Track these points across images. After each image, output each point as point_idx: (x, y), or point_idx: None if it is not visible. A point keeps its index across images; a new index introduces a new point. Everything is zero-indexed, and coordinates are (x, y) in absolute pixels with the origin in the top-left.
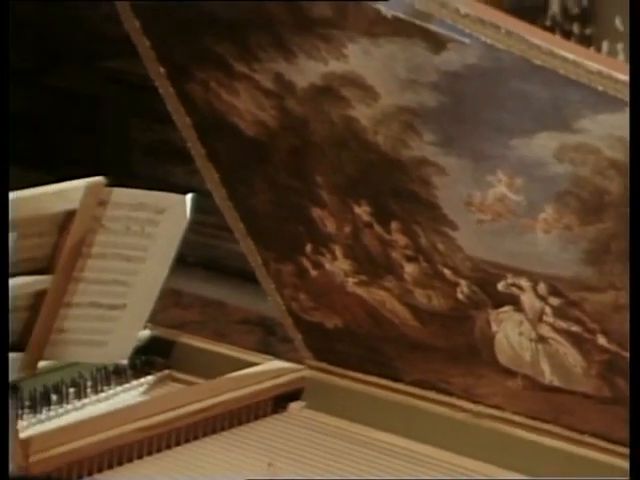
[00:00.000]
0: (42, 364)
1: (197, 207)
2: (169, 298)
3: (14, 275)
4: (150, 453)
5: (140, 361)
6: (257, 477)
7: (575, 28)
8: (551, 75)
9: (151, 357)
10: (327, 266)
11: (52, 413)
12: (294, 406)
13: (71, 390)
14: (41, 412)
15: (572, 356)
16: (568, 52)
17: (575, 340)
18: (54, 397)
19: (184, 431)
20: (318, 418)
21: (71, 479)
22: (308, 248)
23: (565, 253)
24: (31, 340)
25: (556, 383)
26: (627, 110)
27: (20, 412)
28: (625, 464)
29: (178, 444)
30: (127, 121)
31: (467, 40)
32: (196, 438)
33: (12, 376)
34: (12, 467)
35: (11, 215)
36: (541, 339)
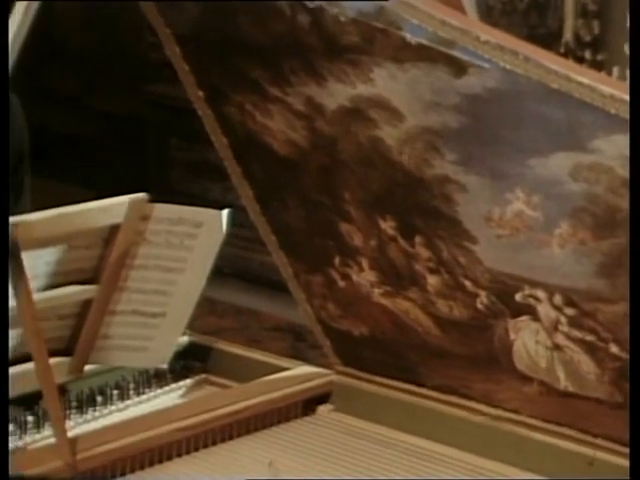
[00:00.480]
0: (88, 368)
1: (232, 221)
2: (206, 306)
3: (63, 285)
4: (188, 452)
5: (179, 365)
6: (289, 476)
7: (587, 54)
8: (566, 98)
9: (189, 362)
10: (354, 277)
11: (97, 414)
12: (322, 409)
13: (115, 392)
14: (87, 413)
15: (586, 363)
16: (582, 77)
17: (589, 348)
18: (99, 399)
19: (219, 432)
20: (345, 420)
21: (114, 476)
22: (336, 260)
23: (579, 266)
24: (78, 345)
25: (571, 389)
26: None
27: (68, 412)
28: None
29: (214, 444)
30: (168, 141)
31: (487, 65)
32: (231, 438)
33: (61, 379)
34: (59, 464)
35: (60, 229)
36: (556, 347)
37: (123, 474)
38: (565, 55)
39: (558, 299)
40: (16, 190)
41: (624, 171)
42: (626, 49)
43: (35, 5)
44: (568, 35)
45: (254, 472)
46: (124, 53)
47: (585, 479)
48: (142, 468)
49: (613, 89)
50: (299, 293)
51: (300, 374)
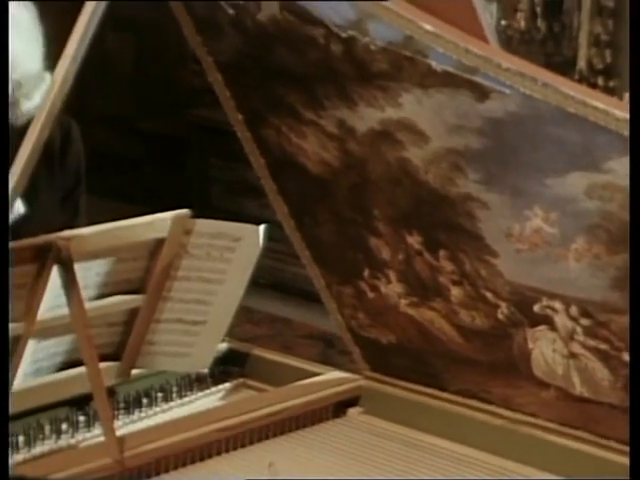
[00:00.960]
0: (135, 372)
1: (268, 236)
2: (243, 315)
3: (112, 295)
4: (226, 451)
5: (218, 370)
6: (320, 475)
7: (600, 81)
8: (582, 122)
9: (228, 367)
10: (382, 289)
11: (143, 414)
12: (352, 411)
13: (159, 395)
14: (134, 413)
15: (600, 371)
16: (597, 102)
17: (603, 357)
18: (145, 400)
19: (256, 432)
20: (373, 422)
21: (159, 472)
22: (366, 273)
23: (594, 279)
24: (126, 351)
25: (585, 394)
26: None
27: (116, 413)
28: None
29: (251, 444)
30: (209, 161)
31: (508, 91)
32: (266, 438)
33: (109, 382)
34: (108, 461)
35: (110, 242)
36: (572, 355)
37: (167, 471)
38: (579, 81)
39: (574, 310)
40: (73, 208)
41: None
42: None
43: (89, 36)
44: (582, 63)
45: (287, 471)
46: (170, 80)
47: (575, 479)
48: (184, 465)
49: (625, 113)
50: (331, 303)
51: (331, 379)
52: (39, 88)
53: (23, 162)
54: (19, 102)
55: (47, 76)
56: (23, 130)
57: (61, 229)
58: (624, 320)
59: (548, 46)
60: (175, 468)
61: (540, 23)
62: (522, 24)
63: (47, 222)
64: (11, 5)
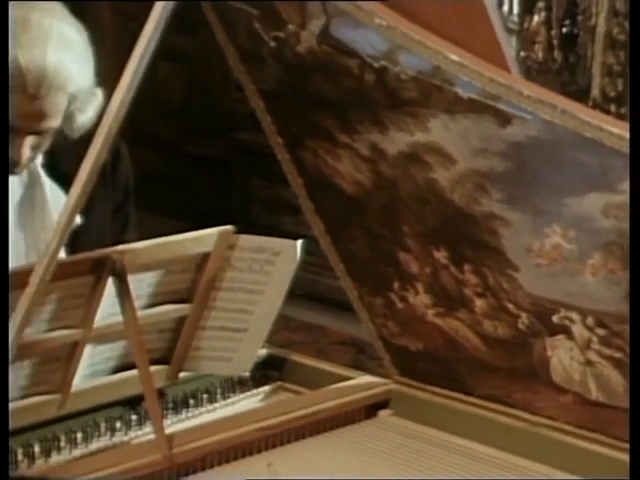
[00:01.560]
0: (182, 375)
1: (305, 250)
2: (281, 323)
3: (161, 304)
4: (266, 449)
5: (258, 374)
6: (352, 472)
7: (612, 108)
8: (598, 146)
9: (267, 371)
10: (411, 300)
11: (189, 414)
12: (383, 413)
13: (204, 396)
14: (181, 413)
15: (615, 377)
16: (612, 127)
17: (617, 364)
18: (191, 401)
19: (293, 432)
20: (402, 424)
21: (204, 468)
22: (396, 285)
23: (609, 292)
24: (174, 356)
25: (601, 399)
26: None
27: (165, 413)
28: None
29: (288, 442)
30: (250, 181)
31: (529, 116)
32: (303, 438)
33: (159, 384)
34: (158, 457)
35: (160, 256)
36: (589, 363)
37: (211, 467)
38: (593, 108)
39: (590, 321)
40: (122, 222)
41: None
42: None
43: (143, 67)
44: (596, 91)
45: (322, 468)
46: (216, 106)
47: (591, 478)
48: (227, 462)
49: None
50: (363, 313)
51: (363, 383)
52: (92, 103)
53: (82, 182)
54: (74, 115)
55: (98, 92)
56: (77, 143)
57: (112, 240)
58: None
59: (564, 76)
60: (219, 464)
61: (557, 54)
62: (540, 55)
63: (100, 233)
64: (63, 26)
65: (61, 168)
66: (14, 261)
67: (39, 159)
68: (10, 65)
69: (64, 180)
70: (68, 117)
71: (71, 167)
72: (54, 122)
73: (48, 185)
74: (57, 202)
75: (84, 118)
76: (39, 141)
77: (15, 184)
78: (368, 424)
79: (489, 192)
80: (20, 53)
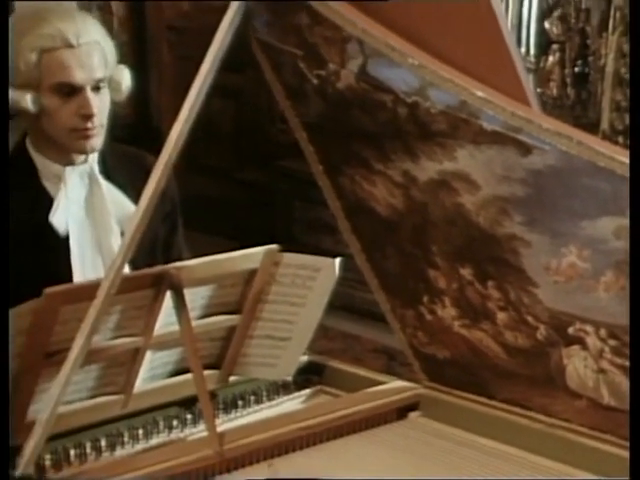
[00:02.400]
0: (232, 378)
1: (343, 267)
2: (320, 332)
3: (213, 315)
4: (307, 446)
5: (300, 378)
6: (384, 468)
7: (620, 139)
8: (611, 174)
9: (308, 376)
10: (439, 312)
11: (238, 414)
12: (412, 415)
13: (252, 398)
14: (231, 413)
15: (625, 384)
16: (623, 157)
17: (627, 372)
18: (240, 402)
19: (332, 431)
20: (431, 425)
21: (251, 463)
22: (425, 299)
23: (621, 307)
24: (225, 361)
25: (612, 404)
26: None
27: (216, 412)
28: None
29: (327, 440)
30: (293, 204)
31: (547, 147)
32: (341, 436)
33: (211, 386)
34: (210, 452)
35: (212, 272)
36: (601, 371)
37: (257, 462)
38: (603, 140)
39: (603, 332)
40: (170, 228)
41: None
42: None
43: (199, 103)
44: (605, 125)
45: (357, 465)
46: (262, 136)
47: (591, 479)
48: (271, 458)
49: None
50: (395, 324)
51: (394, 387)
52: (123, 72)
53: (143, 209)
54: (114, 81)
55: (124, 68)
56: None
57: (161, 243)
58: None
59: (576, 110)
60: (264, 460)
61: (570, 91)
62: (554, 92)
63: (151, 238)
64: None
65: (114, 174)
66: (80, 255)
67: (96, 166)
68: (48, 31)
69: (117, 184)
70: (111, 82)
71: (123, 175)
72: (100, 71)
73: (105, 186)
74: (114, 200)
75: (124, 83)
76: (100, 102)
77: (77, 185)
78: (399, 425)
79: (511, 215)
80: (57, 22)
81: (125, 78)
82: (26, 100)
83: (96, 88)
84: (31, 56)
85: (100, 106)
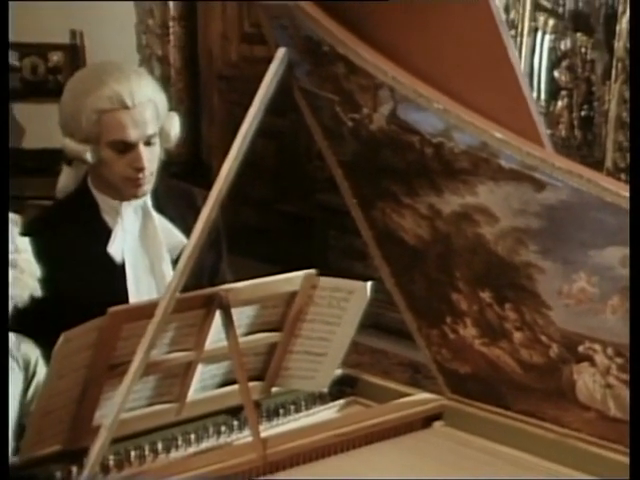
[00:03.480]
0: (274, 390)
1: (374, 290)
2: (352, 347)
3: (257, 332)
4: (341, 451)
5: (335, 390)
6: (410, 472)
7: (623, 176)
8: (617, 208)
9: (342, 387)
10: (461, 332)
11: (280, 422)
12: (436, 424)
13: (292, 407)
14: (273, 420)
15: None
16: (627, 192)
17: None
18: (281, 411)
19: (363, 438)
20: (453, 433)
21: (292, 466)
22: (448, 319)
23: (626, 328)
24: (267, 374)
25: (618, 415)
26: None
27: (260, 420)
28: None
29: (359, 446)
30: (328, 233)
31: (559, 184)
32: (371, 443)
33: (255, 397)
34: (255, 456)
35: (257, 294)
36: (608, 386)
37: (297, 464)
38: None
39: (610, 351)
40: (217, 253)
41: None
42: None
43: (246, 143)
44: (609, 163)
45: (386, 468)
46: (301, 172)
47: (588, 478)
48: (310, 461)
49: None
50: (421, 341)
51: (420, 399)
52: (173, 121)
53: (196, 237)
54: (164, 129)
55: (175, 115)
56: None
57: (208, 267)
58: None
59: (583, 150)
60: (303, 463)
61: (577, 133)
62: (563, 133)
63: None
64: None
65: (165, 208)
66: (135, 280)
67: (149, 201)
68: (106, 94)
69: (168, 216)
70: (161, 133)
71: (173, 208)
72: (152, 128)
73: (157, 219)
74: (164, 230)
75: (173, 131)
76: (150, 154)
77: (132, 219)
78: (424, 433)
79: (527, 245)
80: (114, 85)
81: (174, 127)
82: (86, 153)
83: (148, 143)
84: (92, 116)
85: (151, 158)
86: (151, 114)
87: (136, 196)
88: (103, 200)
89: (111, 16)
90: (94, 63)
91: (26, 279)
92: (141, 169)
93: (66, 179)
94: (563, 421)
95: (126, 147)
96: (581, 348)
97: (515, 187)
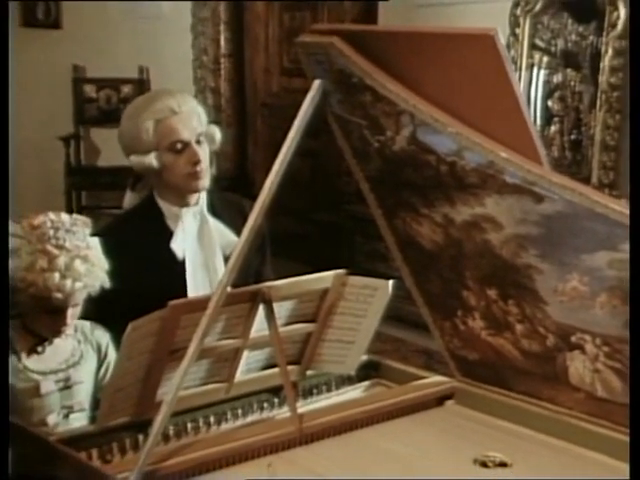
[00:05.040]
0: (308, 372)
1: (395, 287)
2: (375, 337)
3: (294, 323)
4: (367, 425)
5: (361, 373)
6: (425, 443)
7: (607, 191)
8: (605, 218)
9: (367, 371)
10: (470, 324)
11: (313, 400)
12: (448, 403)
13: (324, 387)
14: (308, 399)
15: (615, 381)
16: (615, 205)
17: (617, 372)
18: (314, 391)
19: (386, 414)
20: (462, 411)
21: (325, 437)
22: (459, 313)
23: (613, 321)
24: (303, 359)
25: (604, 396)
26: None
27: (297, 398)
28: None
29: (382, 421)
30: (355, 238)
31: (556, 197)
32: (392, 419)
33: (293, 378)
34: (292, 429)
35: (294, 290)
36: (596, 370)
37: (329, 436)
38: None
39: (598, 341)
40: (262, 256)
41: None
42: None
43: (286, 161)
44: (594, 180)
45: (404, 439)
46: (332, 186)
47: (587, 479)
48: (339, 434)
49: None
50: (435, 332)
51: (434, 381)
52: (215, 131)
53: (244, 239)
54: (210, 134)
55: (215, 127)
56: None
57: (254, 269)
58: None
59: (572, 169)
60: (334, 435)
61: (567, 154)
62: (556, 154)
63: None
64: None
65: (219, 215)
66: (193, 274)
67: (205, 206)
68: (158, 107)
69: (221, 221)
70: (207, 136)
71: (225, 215)
72: (200, 128)
73: (212, 222)
74: (218, 231)
75: (217, 136)
76: (202, 152)
77: (191, 222)
78: (437, 410)
79: (527, 249)
80: (163, 98)
81: (216, 133)
82: (150, 159)
83: (198, 141)
84: (149, 127)
85: (203, 154)
86: (196, 119)
87: (197, 190)
88: (167, 208)
89: (172, 54)
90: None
91: (97, 271)
92: (198, 162)
93: (131, 198)
94: (557, 400)
95: (182, 146)
96: (573, 338)
97: (517, 199)
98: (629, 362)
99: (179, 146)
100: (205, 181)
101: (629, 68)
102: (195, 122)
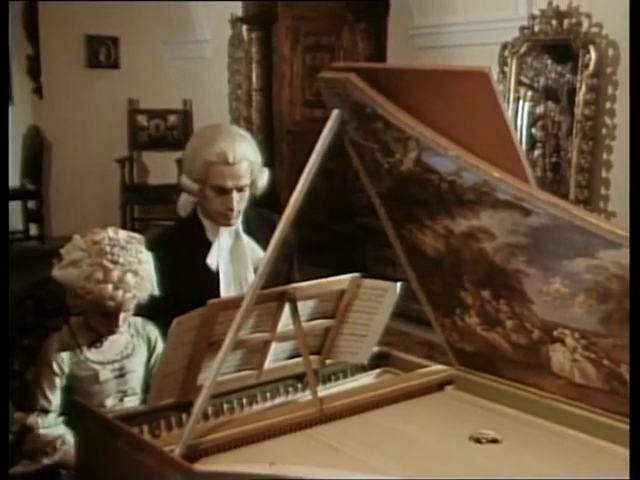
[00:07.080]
0: (328, 362)
1: (402, 288)
2: (385, 331)
3: (316, 319)
4: (377, 407)
5: (373, 362)
6: (428, 420)
7: (582, 206)
8: (583, 229)
9: (378, 360)
10: (467, 320)
11: (332, 385)
12: (448, 388)
13: (341, 374)
14: (327, 384)
15: (590, 369)
16: (591, 218)
17: (592, 361)
18: (333, 377)
19: (394, 398)
20: (460, 395)
21: (341, 417)
22: (458, 311)
23: (589, 318)
24: (323, 350)
25: (582, 382)
26: (621, 248)
27: (318, 383)
28: (615, 423)
29: (391, 403)
30: (367, 246)
31: (541, 211)
32: (400, 401)
33: (315, 366)
34: (314, 410)
35: (316, 291)
36: (575, 360)
37: (345, 417)
38: None
39: (576, 335)
40: (290, 264)
41: (614, 269)
42: (601, 205)
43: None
44: (572, 197)
45: (409, 419)
46: (347, 201)
47: (586, 479)
48: (354, 415)
49: (609, 226)
50: (437, 327)
51: (435, 369)
52: (263, 174)
53: (272, 247)
54: (255, 181)
55: (266, 170)
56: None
57: (283, 274)
58: (606, 341)
59: (553, 187)
60: (350, 415)
61: (548, 174)
62: (539, 174)
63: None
64: (245, 136)
65: (252, 228)
66: (227, 286)
67: (240, 225)
68: (215, 151)
69: (254, 234)
70: (252, 183)
71: (258, 228)
72: (245, 180)
73: (245, 239)
74: (250, 247)
75: (261, 182)
76: (240, 197)
77: (226, 239)
78: (439, 394)
79: (517, 256)
80: (222, 144)
81: (263, 180)
82: (194, 189)
83: (240, 189)
84: (203, 164)
85: (240, 201)
86: (246, 170)
87: (223, 225)
88: (208, 224)
89: (211, 89)
90: (214, 124)
91: (145, 284)
92: (231, 209)
93: (182, 207)
94: (541, 386)
95: (223, 191)
96: (555, 332)
97: (509, 213)
98: (629, 362)
99: (220, 190)
100: (233, 221)
101: (629, 78)
102: (244, 174)
